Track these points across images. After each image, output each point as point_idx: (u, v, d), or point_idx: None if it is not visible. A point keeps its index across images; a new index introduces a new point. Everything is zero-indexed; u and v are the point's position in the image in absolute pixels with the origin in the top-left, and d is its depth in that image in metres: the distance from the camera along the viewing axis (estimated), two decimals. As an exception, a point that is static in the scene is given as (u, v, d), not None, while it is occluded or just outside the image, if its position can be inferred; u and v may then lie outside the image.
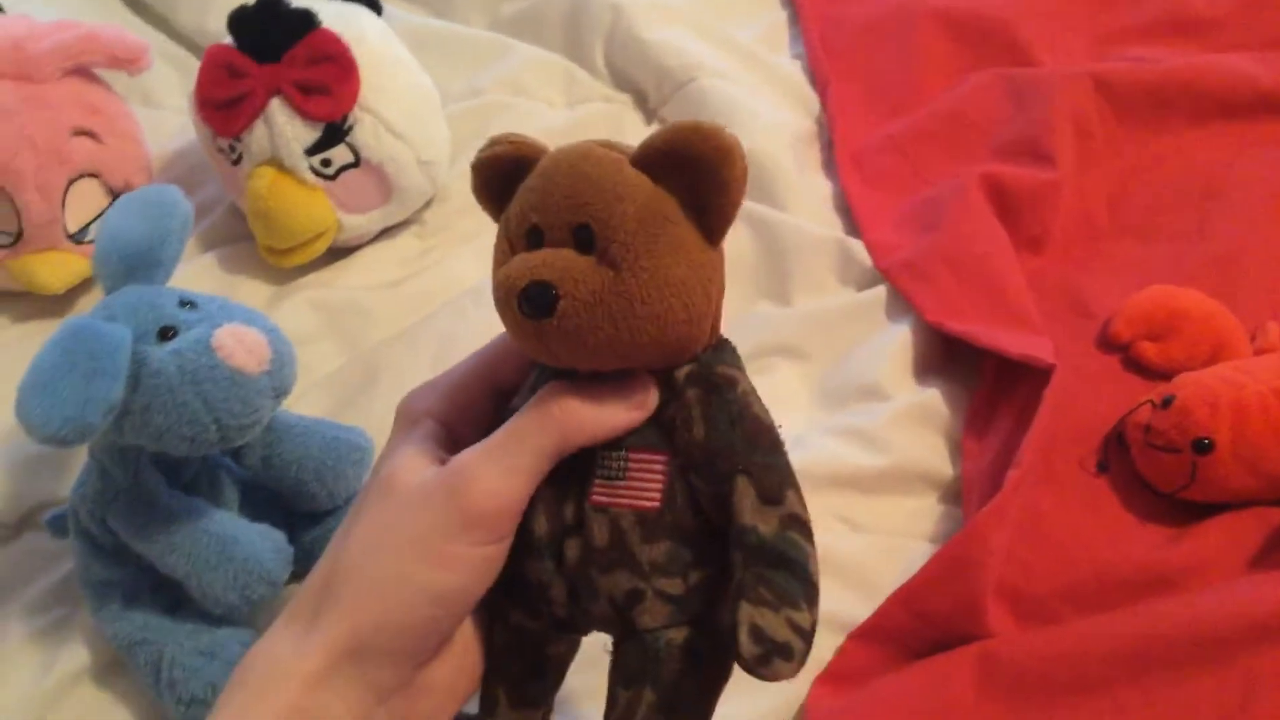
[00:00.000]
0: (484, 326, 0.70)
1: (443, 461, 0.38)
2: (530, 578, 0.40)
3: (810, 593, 0.36)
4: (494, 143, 0.39)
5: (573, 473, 0.39)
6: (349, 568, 0.37)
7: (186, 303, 0.46)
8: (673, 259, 0.35)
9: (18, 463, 0.65)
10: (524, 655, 0.43)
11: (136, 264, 0.47)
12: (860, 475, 0.63)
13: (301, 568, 0.56)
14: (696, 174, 0.35)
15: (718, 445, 0.37)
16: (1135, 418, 0.62)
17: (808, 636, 0.35)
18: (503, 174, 0.39)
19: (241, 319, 0.46)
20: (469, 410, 0.41)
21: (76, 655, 0.57)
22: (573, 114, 0.93)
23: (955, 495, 0.63)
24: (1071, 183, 0.80)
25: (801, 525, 0.36)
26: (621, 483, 0.38)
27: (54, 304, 0.77)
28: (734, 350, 0.39)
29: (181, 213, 0.49)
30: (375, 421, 0.66)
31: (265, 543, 0.49)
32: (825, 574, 0.37)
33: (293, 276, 0.79)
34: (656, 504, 0.38)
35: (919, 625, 0.55)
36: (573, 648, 0.43)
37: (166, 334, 0.44)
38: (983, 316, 0.69)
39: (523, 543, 0.40)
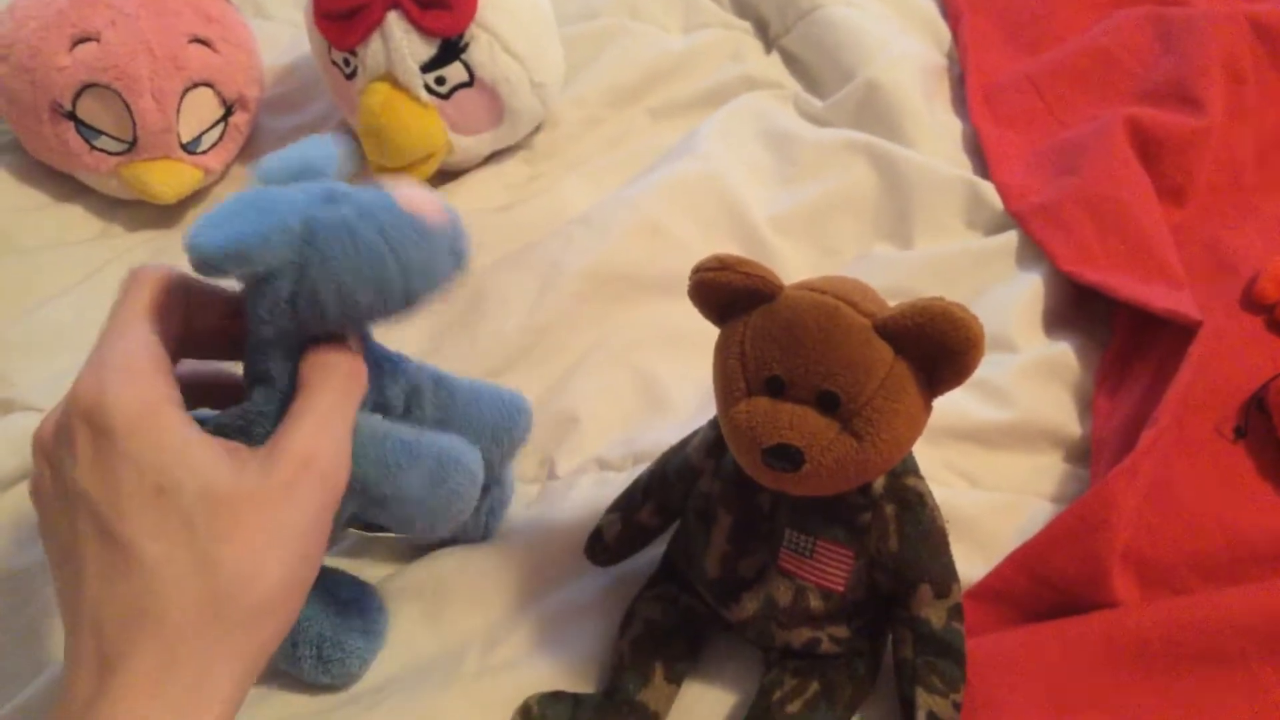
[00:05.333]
0: (591, 254, 0.70)
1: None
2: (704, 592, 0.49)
3: (964, 673, 0.45)
4: (723, 265, 0.41)
5: (752, 537, 0.46)
6: (229, 597, 0.35)
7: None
8: (905, 426, 0.39)
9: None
10: (686, 634, 0.50)
11: (300, 174, 0.43)
12: (982, 429, 0.60)
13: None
14: (940, 356, 0.38)
15: (908, 557, 0.44)
16: (1280, 383, 0.59)
17: (960, 707, 0.44)
18: (730, 297, 0.41)
19: None
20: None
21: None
22: (689, 40, 0.90)
23: (1081, 455, 0.60)
24: (1220, 131, 0.75)
25: (960, 611, 0.45)
26: (809, 560, 0.45)
27: (166, 213, 0.77)
28: (911, 453, 0.44)
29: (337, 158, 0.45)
30: (479, 344, 0.66)
31: (456, 441, 0.45)
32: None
33: (401, 196, 0.78)
34: (841, 588, 0.45)
35: (1039, 588, 0.53)
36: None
37: (336, 198, 0.40)
38: (1122, 267, 0.65)
39: (698, 562, 0.47)
